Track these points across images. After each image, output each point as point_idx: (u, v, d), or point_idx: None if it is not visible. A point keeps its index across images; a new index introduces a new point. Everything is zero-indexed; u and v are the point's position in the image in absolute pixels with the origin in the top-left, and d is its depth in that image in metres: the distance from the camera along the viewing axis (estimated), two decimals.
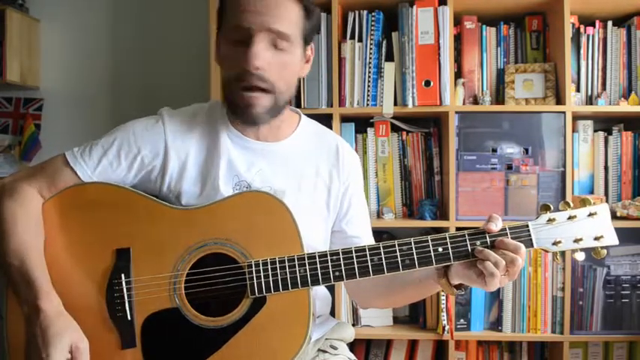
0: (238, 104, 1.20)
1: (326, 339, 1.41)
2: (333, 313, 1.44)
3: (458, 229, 1.96)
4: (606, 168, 2.16)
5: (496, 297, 2.13)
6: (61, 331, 1.06)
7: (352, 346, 1.89)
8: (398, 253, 1.13)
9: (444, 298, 2.05)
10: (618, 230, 1.15)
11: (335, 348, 1.40)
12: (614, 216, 2.00)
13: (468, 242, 1.13)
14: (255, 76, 1.17)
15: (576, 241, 1.13)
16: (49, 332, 1.05)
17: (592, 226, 1.13)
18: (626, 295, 2.08)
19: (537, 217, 1.14)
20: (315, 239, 1.31)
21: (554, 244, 1.13)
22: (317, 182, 1.34)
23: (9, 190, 1.20)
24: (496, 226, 1.13)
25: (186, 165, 1.26)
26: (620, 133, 2.14)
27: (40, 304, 1.07)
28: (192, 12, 2.49)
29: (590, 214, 1.13)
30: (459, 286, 1.19)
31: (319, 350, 1.38)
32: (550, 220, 1.13)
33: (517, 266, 1.09)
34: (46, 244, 1.16)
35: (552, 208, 1.14)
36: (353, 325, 2.10)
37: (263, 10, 1.15)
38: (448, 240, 1.13)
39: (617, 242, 1.13)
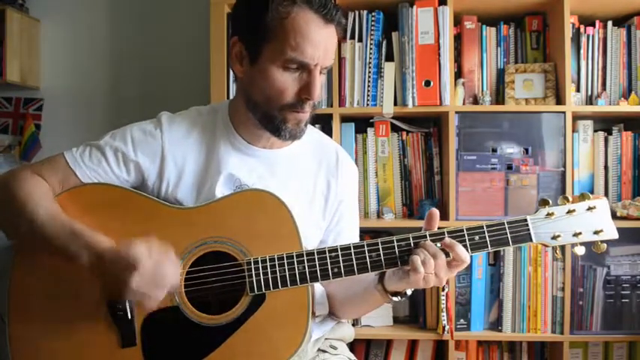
0: (286, 122, 1.21)
1: (326, 339, 1.41)
2: None
3: None
4: (606, 168, 2.15)
5: (496, 297, 2.13)
6: (127, 257, 1.06)
7: (352, 346, 1.89)
8: (396, 249, 1.14)
9: (444, 298, 2.05)
10: (618, 230, 1.15)
11: (335, 348, 1.40)
12: (614, 216, 1.99)
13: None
14: (310, 104, 1.21)
15: (575, 235, 1.13)
16: (119, 265, 1.06)
17: (591, 220, 1.13)
18: (626, 295, 2.08)
19: (536, 212, 1.14)
20: (310, 246, 1.31)
21: (554, 238, 1.13)
22: (315, 191, 1.35)
23: (18, 177, 1.20)
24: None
25: (184, 171, 1.27)
26: (620, 133, 2.14)
27: (98, 246, 1.09)
28: (192, 12, 2.49)
29: (589, 208, 1.13)
30: (395, 294, 1.21)
31: (319, 350, 1.38)
32: (549, 215, 1.13)
33: (439, 266, 1.11)
34: None
35: (551, 202, 1.14)
36: (353, 325, 2.10)
37: (327, 50, 1.18)
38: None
39: (616, 236, 1.13)
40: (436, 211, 1.17)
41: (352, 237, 1.41)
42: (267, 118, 1.22)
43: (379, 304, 1.28)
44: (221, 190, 1.25)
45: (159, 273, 1.07)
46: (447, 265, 1.12)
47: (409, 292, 1.21)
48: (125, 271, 1.05)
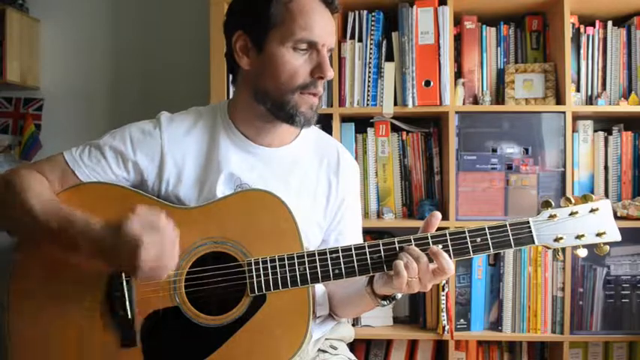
0: (298, 108, 1.22)
1: (326, 339, 1.41)
2: None
3: None
4: (606, 168, 2.15)
5: (496, 297, 2.13)
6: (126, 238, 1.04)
7: (352, 346, 1.89)
8: (397, 251, 1.13)
9: (444, 298, 2.05)
10: (618, 230, 1.14)
11: (335, 348, 1.40)
12: (614, 216, 2.00)
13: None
14: (322, 84, 1.23)
15: (578, 237, 1.12)
16: (121, 251, 1.04)
17: (594, 222, 1.12)
18: (626, 295, 2.08)
19: (538, 214, 1.14)
20: (312, 246, 1.31)
21: (556, 240, 1.12)
22: (316, 190, 1.35)
23: (19, 173, 1.20)
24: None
25: (184, 170, 1.27)
26: (620, 133, 2.14)
27: (97, 227, 1.08)
28: (192, 11, 2.48)
29: (592, 210, 1.12)
30: (384, 297, 1.21)
31: (319, 350, 1.38)
32: (551, 217, 1.13)
33: (422, 271, 1.10)
34: None
35: (553, 204, 1.14)
36: (353, 325, 2.10)
37: (331, 31, 1.23)
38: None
39: (619, 238, 1.13)
40: (438, 215, 1.16)
41: (355, 236, 1.41)
42: (278, 105, 1.22)
43: (372, 307, 1.27)
44: (221, 190, 1.25)
45: (162, 242, 1.04)
46: (432, 272, 1.11)
47: (399, 295, 1.21)
48: (129, 254, 1.03)
